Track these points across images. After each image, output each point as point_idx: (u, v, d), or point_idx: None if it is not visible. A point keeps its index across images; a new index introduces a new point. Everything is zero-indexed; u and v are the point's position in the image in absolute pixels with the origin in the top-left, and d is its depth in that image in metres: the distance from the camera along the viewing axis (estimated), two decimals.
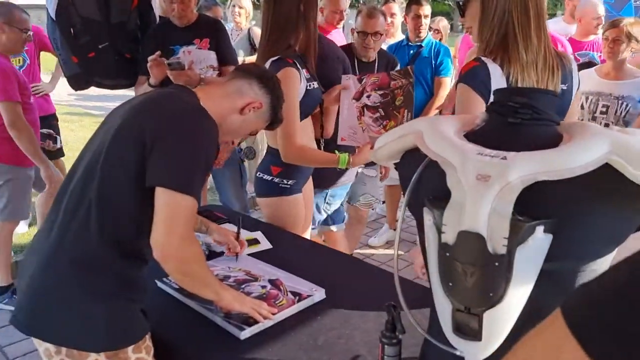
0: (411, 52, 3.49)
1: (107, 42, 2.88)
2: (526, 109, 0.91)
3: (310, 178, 2.35)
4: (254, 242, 2.01)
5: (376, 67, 2.90)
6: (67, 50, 2.81)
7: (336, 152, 2.18)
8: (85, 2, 2.79)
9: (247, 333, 1.41)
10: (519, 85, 1.47)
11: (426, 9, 3.44)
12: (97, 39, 2.84)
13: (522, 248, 0.83)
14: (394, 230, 4.04)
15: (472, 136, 0.96)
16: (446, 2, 26.32)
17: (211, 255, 1.87)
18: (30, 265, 1.31)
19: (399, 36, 3.92)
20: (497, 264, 0.85)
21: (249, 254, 1.89)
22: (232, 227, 1.96)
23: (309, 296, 1.57)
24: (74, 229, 1.27)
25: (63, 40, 2.79)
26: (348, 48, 2.92)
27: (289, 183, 2.19)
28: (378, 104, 2.31)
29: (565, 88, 1.58)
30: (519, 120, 0.92)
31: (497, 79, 1.47)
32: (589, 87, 2.81)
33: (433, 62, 3.40)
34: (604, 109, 2.79)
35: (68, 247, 1.26)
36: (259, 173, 2.24)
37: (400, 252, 1.13)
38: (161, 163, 1.23)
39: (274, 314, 1.46)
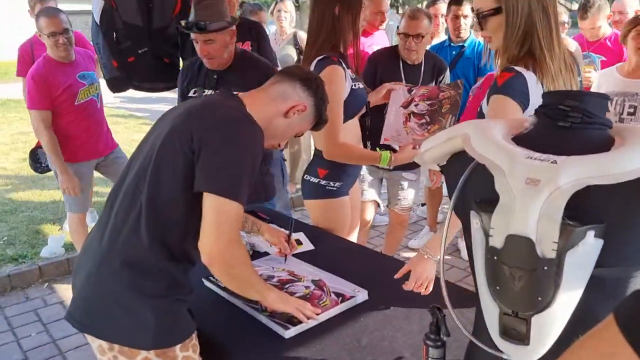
0: (453, 52, 3.45)
1: (147, 47, 2.98)
2: (577, 112, 0.90)
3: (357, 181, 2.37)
4: (297, 243, 2.04)
5: (422, 70, 2.91)
6: (108, 54, 2.92)
7: (378, 150, 2.19)
8: (129, 8, 2.90)
9: (291, 332, 1.44)
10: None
11: (466, 9, 3.39)
12: (138, 43, 2.95)
13: (572, 253, 0.83)
14: (435, 232, 4.01)
15: (521, 140, 0.95)
16: None
17: (255, 255, 1.90)
18: (84, 265, 1.37)
19: (443, 36, 3.89)
20: (545, 268, 0.84)
21: (292, 255, 1.92)
22: (277, 228, 2.00)
23: (352, 297, 1.59)
24: (125, 232, 1.32)
25: (105, 45, 2.90)
26: (393, 50, 2.94)
27: (335, 185, 2.21)
28: (425, 112, 2.33)
29: (580, 79, 1.62)
30: (569, 123, 0.91)
31: (534, 87, 1.48)
32: (611, 87, 2.70)
33: (476, 62, 3.35)
34: (632, 110, 2.67)
35: (120, 250, 1.31)
36: (306, 176, 2.27)
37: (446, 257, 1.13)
38: (209, 169, 1.26)
39: (317, 314, 1.48)
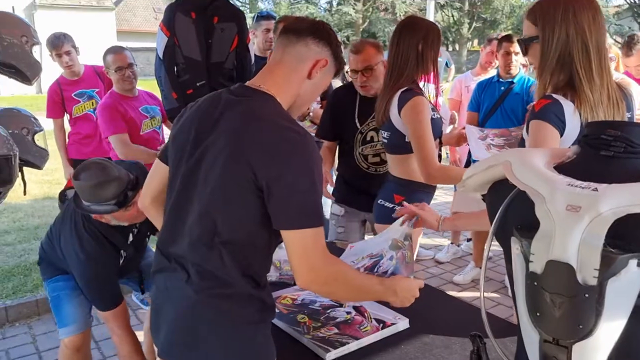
0: (502, 88, 3.46)
1: (205, 80, 3.13)
2: (619, 141, 0.91)
3: None
4: None
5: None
6: (169, 87, 3.08)
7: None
8: (190, 44, 3.06)
9: (332, 355, 1.46)
10: None
11: (517, 46, 3.41)
12: (196, 77, 3.10)
13: (614, 281, 0.83)
14: (480, 268, 3.93)
15: (562, 169, 0.96)
16: None
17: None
18: (170, 308, 1.33)
19: (493, 72, 3.90)
20: (587, 295, 0.84)
21: None
22: None
23: (392, 324, 1.60)
24: (210, 269, 1.27)
25: (166, 78, 3.07)
26: (351, 85, 2.69)
27: (391, 206, 2.29)
28: (502, 144, 2.49)
29: (629, 116, 1.61)
30: (612, 153, 0.92)
31: (570, 116, 1.50)
32: None
33: (525, 97, 3.35)
34: None
35: (211, 285, 1.28)
36: (380, 200, 2.36)
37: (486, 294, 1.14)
38: (285, 207, 1.22)
39: (358, 339, 1.50)
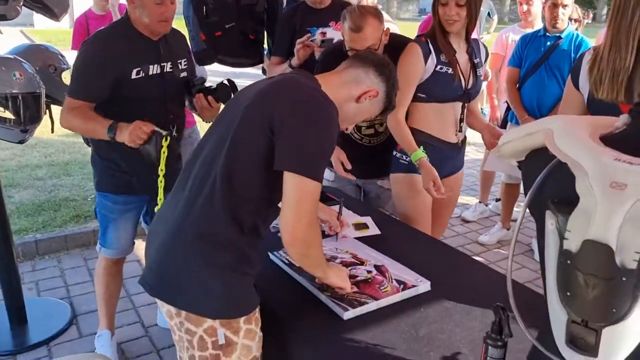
0: (548, 43, 3.26)
1: (234, 22, 3.03)
2: None
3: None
4: (363, 226, 2.04)
5: None
6: (197, 28, 3.00)
7: (421, 148, 2.18)
8: None
9: (350, 314, 1.45)
10: None
11: None
12: (225, 19, 3.00)
13: None
14: (507, 229, 3.87)
15: (610, 140, 0.89)
16: None
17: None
18: (158, 234, 1.43)
19: (538, 25, 3.68)
20: (624, 279, 0.79)
21: (356, 238, 1.92)
22: (345, 210, 2.01)
23: (413, 286, 1.57)
24: (199, 204, 1.35)
25: (194, 18, 2.98)
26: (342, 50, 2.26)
27: (407, 160, 2.27)
28: None
29: None
30: None
31: None
32: None
33: (572, 55, 3.15)
34: None
35: (193, 221, 1.36)
36: (396, 153, 2.35)
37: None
38: (290, 148, 1.28)
39: (377, 299, 1.48)
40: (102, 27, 2.20)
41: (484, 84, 3.60)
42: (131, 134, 1.92)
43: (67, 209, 3.98)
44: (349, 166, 2.26)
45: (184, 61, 2.27)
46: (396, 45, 2.24)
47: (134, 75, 2.05)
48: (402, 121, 2.21)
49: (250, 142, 1.32)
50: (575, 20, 4.21)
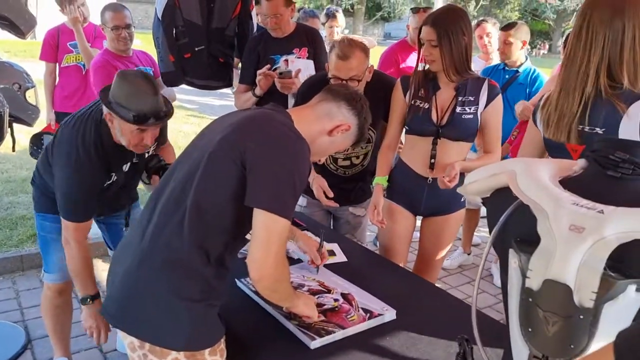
0: (506, 77, 3.41)
1: (204, 45, 3.05)
2: (628, 164, 0.89)
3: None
4: (330, 253, 2.05)
5: None
6: (166, 49, 3.00)
7: (383, 177, 2.28)
8: (191, 6, 2.98)
9: (317, 343, 1.46)
10: None
11: (515, 34, 3.34)
12: (195, 41, 3.03)
13: (610, 305, 0.82)
14: (468, 254, 3.96)
15: (568, 183, 0.95)
16: (546, 21, 25.35)
17: (288, 261, 1.93)
18: (123, 261, 1.41)
19: (496, 56, 3.83)
20: (582, 317, 0.83)
21: (324, 265, 1.94)
22: (311, 236, 2.02)
23: (379, 315, 1.60)
24: (167, 233, 1.34)
25: (164, 39, 2.99)
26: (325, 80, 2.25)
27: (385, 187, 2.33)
28: None
29: None
30: (620, 174, 0.90)
31: None
32: None
33: (528, 89, 3.30)
34: None
35: (161, 250, 1.35)
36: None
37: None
38: (261, 186, 1.29)
39: (344, 328, 1.50)
40: (76, 136, 1.95)
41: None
42: None
43: (24, 227, 3.86)
44: (330, 194, 2.26)
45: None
46: (377, 85, 2.29)
47: (106, 183, 2.03)
48: (383, 148, 2.32)
49: (222, 175, 1.32)
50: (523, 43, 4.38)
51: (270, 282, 1.32)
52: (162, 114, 1.87)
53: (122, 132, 1.88)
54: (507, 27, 3.41)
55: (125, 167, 2.09)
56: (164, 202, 1.39)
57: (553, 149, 1.60)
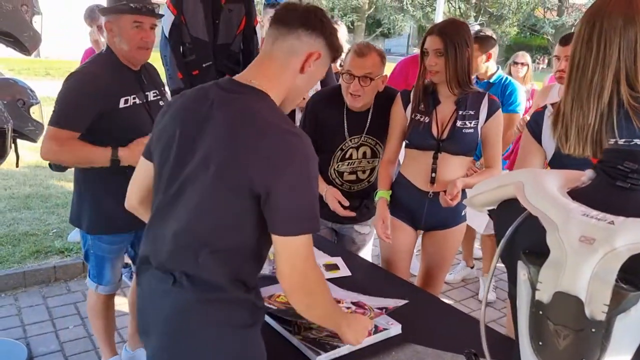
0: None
1: (211, 61, 3.08)
2: (637, 174, 0.88)
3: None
4: (334, 267, 2.04)
5: (369, 118, 2.36)
6: (174, 67, 3.03)
7: (386, 191, 2.28)
8: (197, 23, 3.01)
9: (322, 358, 1.44)
10: None
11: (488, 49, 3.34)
12: (203, 58, 3.05)
13: (623, 317, 0.81)
14: (471, 267, 3.94)
15: (577, 194, 0.94)
16: (544, 36, 25.51)
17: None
18: (157, 312, 1.30)
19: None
20: (593, 330, 0.82)
21: (327, 279, 1.92)
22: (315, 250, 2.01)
23: (385, 329, 1.58)
24: (198, 275, 1.24)
25: (172, 57, 3.01)
26: (337, 92, 2.36)
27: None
28: None
29: None
30: (629, 185, 0.89)
31: None
32: None
33: (500, 98, 3.27)
34: None
35: (199, 290, 1.24)
36: None
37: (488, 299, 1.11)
38: (283, 214, 1.18)
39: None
40: (86, 61, 2.24)
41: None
42: (134, 151, 1.96)
43: (26, 244, 3.85)
44: (346, 203, 2.26)
45: (164, 89, 2.35)
46: (385, 97, 2.33)
47: (122, 105, 2.07)
48: (383, 163, 2.32)
49: (232, 213, 1.22)
50: (522, 65, 4.41)
51: (304, 293, 1.26)
52: (152, 5, 2.08)
53: (122, 34, 2.06)
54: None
55: (140, 97, 2.15)
56: (174, 246, 1.26)
57: (574, 165, 1.40)
